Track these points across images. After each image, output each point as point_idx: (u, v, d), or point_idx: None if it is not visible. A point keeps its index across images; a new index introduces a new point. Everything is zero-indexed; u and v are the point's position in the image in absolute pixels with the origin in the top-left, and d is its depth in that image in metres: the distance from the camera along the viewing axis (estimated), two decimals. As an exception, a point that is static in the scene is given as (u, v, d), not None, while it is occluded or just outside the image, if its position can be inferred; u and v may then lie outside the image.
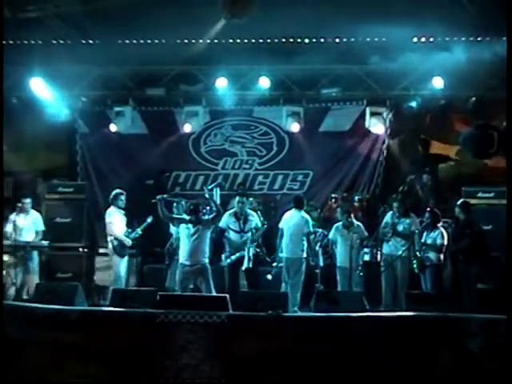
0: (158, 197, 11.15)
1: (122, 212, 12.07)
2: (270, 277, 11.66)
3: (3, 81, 13.01)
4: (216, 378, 7.81)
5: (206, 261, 10.91)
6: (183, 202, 12.18)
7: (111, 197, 12.19)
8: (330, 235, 12.08)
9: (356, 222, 12.00)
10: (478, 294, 11.27)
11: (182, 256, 10.90)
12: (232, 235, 11.83)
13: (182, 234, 10.98)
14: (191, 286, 10.89)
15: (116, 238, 11.82)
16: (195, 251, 10.83)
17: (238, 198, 12.07)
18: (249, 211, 12.00)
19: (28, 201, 12.28)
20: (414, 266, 11.46)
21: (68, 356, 7.90)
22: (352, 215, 12.05)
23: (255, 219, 11.90)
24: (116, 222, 11.93)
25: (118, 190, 12.29)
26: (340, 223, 11.98)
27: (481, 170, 14.20)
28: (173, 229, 11.99)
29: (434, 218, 11.65)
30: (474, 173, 14.28)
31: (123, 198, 12.16)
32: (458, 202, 11.85)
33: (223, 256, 11.88)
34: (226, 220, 11.88)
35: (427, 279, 11.43)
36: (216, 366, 7.83)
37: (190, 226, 10.90)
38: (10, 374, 7.88)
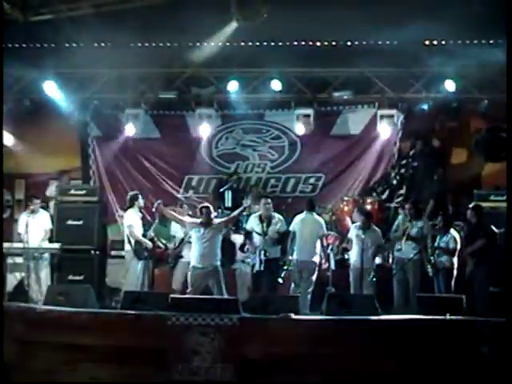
0: (155, 204, 11.26)
1: (140, 215, 12.02)
2: (280, 280, 11.66)
3: (16, 83, 13.13)
4: (227, 380, 7.80)
5: (218, 263, 10.94)
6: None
7: (129, 198, 12.11)
8: (349, 234, 12.12)
9: (374, 227, 11.98)
10: (489, 297, 11.22)
11: (194, 259, 10.92)
12: (255, 237, 11.84)
13: (194, 237, 11.01)
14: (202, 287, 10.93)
15: (137, 242, 11.76)
16: (207, 254, 10.85)
17: (263, 201, 12.03)
18: (274, 214, 11.96)
19: (37, 201, 12.36)
20: (429, 270, 11.45)
21: (79, 358, 7.90)
22: (370, 220, 12.03)
23: (279, 222, 11.86)
24: (136, 224, 11.89)
25: (135, 192, 12.27)
26: (358, 223, 11.97)
27: (492, 173, 14.16)
28: (174, 229, 12.02)
29: (447, 222, 11.63)
30: (486, 176, 14.25)
31: (141, 198, 12.16)
32: (471, 206, 11.79)
33: (246, 258, 11.97)
34: (251, 222, 11.95)
35: (440, 283, 11.41)
36: (227, 368, 7.82)
37: (202, 228, 10.92)
38: (22, 376, 7.91)
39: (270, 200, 12.01)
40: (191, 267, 10.94)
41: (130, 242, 11.76)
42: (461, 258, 11.48)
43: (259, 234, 11.72)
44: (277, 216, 11.92)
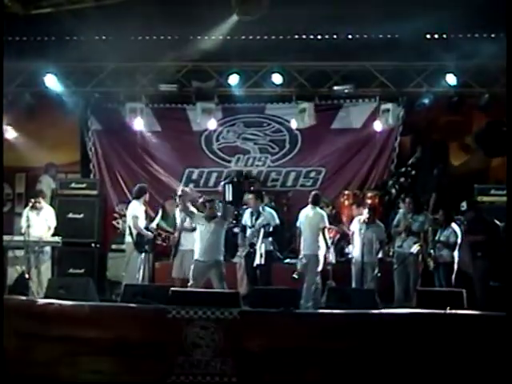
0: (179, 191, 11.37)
1: (143, 208, 12.01)
2: (296, 276, 11.68)
3: (16, 77, 13.11)
4: (227, 374, 7.82)
5: (220, 258, 10.97)
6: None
7: (138, 190, 12.14)
8: (351, 227, 12.13)
9: (378, 222, 11.98)
10: (489, 291, 11.20)
11: (197, 252, 10.96)
12: (248, 231, 11.99)
13: (198, 230, 11.04)
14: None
15: (139, 234, 11.74)
16: (209, 248, 10.89)
17: (249, 196, 12.30)
18: (264, 208, 12.13)
19: (40, 200, 12.32)
20: (429, 264, 11.45)
21: (80, 351, 7.92)
22: (374, 214, 12.06)
23: (268, 215, 11.93)
24: (140, 216, 11.85)
25: (143, 185, 12.30)
26: (362, 217, 11.96)
27: (493, 168, 14.15)
28: (178, 218, 12.04)
29: (447, 216, 11.62)
30: (487, 170, 14.23)
31: (147, 193, 12.17)
32: (465, 204, 11.75)
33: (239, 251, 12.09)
34: (245, 216, 12.20)
35: (441, 277, 11.40)
36: (227, 362, 7.84)
37: (205, 222, 10.95)
38: (23, 369, 7.93)
39: (250, 196, 12.26)
40: (194, 260, 10.98)
41: (131, 234, 11.75)
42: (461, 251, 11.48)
43: (249, 228, 11.87)
44: (267, 210, 12.10)
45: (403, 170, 14.47)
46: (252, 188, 13.87)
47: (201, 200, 11.96)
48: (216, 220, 11.00)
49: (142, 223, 11.77)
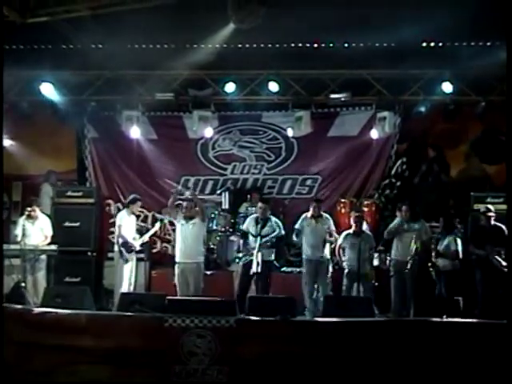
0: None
1: (134, 218, 12.06)
2: None
3: (14, 85, 13.12)
4: (224, 382, 7.82)
5: (200, 259, 10.98)
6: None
7: (129, 200, 12.35)
8: (339, 241, 12.04)
9: (366, 232, 11.97)
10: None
11: (178, 254, 10.98)
12: (250, 239, 11.89)
13: (178, 231, 11.15)
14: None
15: (124, 242, 11.80)
16: (189, 249, 10.89)
17: (259, 204, 12.13)
18: (271, 218, 12.02)
19: (35, 209, 12.31)
20: (432, 273, 11.43)
21: (77, 360, 7.92)
22: (364, 223, 12.04)
23: (275, 225, 11.88)
24: (125, 225, 11.90)
25: (136, 196, 12.35)
26: (349, 230, 11.93)
27: (490, 175, 14.17)
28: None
29: (447, 225, 11.61)
30: (484, 178, 14.24)
31: (139, 203, 12.22)
32: (483, 210, 11.67)
33: (237, 258, 12.02)
34: (247, 223, 12.03)
35: (442, 285, 11.39)
36: (224, 370, 7.84)
37: (184, 222, 10.95)
38: (21, 378, 7.91)
39: (264, 205, 12.05)
40: (176, 263, 10.98)
41: (118, 243, 11.83)
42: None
43: (253, 236, 11.75)
44: (273, 220, 11.97)
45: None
46: (262, 196, 13.88)
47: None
48: (194, 221, 10.97)
49: (126, 232, 11.83)
